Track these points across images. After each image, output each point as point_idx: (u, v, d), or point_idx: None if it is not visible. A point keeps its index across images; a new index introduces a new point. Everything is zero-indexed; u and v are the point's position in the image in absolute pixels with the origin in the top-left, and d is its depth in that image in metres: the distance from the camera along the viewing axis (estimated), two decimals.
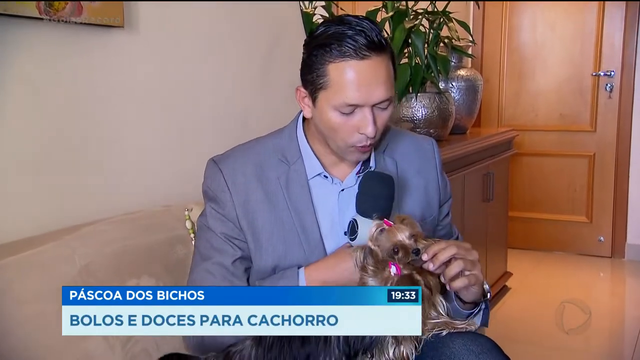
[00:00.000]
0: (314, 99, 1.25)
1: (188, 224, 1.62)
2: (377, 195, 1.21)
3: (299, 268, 1.28)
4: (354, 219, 1.20)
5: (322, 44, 1.19)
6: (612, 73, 4.03)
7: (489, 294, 1.31)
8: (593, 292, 3.63)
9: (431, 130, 2.61)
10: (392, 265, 1.16)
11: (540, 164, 4.31)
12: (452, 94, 2.96)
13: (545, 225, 4.33)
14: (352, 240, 1.20)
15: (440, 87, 2.64)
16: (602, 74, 4.07)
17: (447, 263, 1.18)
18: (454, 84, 3.03)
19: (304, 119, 1.36)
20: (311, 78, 1.23)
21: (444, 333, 1.21)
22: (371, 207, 1.20)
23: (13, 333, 1.21)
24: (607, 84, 4.06)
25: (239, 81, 2.13)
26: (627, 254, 4.14)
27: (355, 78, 1.18)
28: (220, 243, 1.32)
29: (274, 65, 2.25)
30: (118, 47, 1.67)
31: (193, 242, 1.62)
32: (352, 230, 1.19)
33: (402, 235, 1.16)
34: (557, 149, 4.26)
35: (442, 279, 1.20)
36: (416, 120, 2.59)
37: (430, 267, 1.17)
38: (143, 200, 1.73)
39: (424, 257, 1.16)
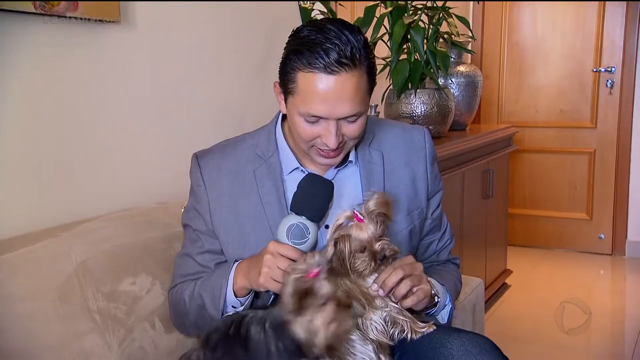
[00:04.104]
0: (285, 99, 1.26)
1: None
2: (316, 195, 1.21)
3: (236, 261, 1.30)
4: (300, 222, 1.19)
5: (297, 49, 1.18)
6: (613, 69, 4.02)
7: (436, 298, 1.31)
8: (593, 290, 3.62)
9: (430, 127, 2.60)
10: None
11: (541, 160, 4.30)
12: (452, 90, 2.95)
13: (545, 222, 4.32)
14: (301, 245, 1.19)
15: (440, 83, 2.63)
16: (602, 70, 4.05)
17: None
18: (453, 80, 3.02)
19: (284, 115, 1.36)
20: (283, 80, 1.23)
21: (408, 336, 1.21)
22: (307, 205, 1.20)
23: (10, 330, 1.21)
24: (607, 80, 4.04)
25: (236, 78, 2.12)
26: (627, 252, 4.13)
27: (321, 92, 1.17)
28: (193, 236, 1.38)
29: (271, 63, 2.23)
30: (114, 42, 1.65)
31: None
32: (301, 233, 1.19)
33: (370, 234, 1.14)
34: (558, 146, 4.25)
35: (392, 298, 1.21)
36: (415, 116, 2.58)
37: (380, 293, 1.18)
38: (139, 197, 1.72)
39: (374, 287, 1.18)
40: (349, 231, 1.15)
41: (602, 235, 4.19)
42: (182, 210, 1.55)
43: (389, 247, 1.17)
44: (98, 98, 1.63)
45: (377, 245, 1.16)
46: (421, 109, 2.58)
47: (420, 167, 1.42)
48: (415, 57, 2.47)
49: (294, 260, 1.16)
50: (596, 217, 4.20)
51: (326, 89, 1.16)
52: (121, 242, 1.46)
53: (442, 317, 1.38)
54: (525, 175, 4.34)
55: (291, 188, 1.32)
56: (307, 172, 1.33)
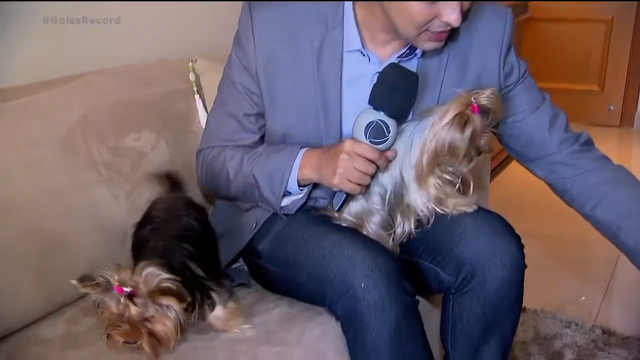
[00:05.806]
0: None
1: (192, 76, 1.58)
2: (400, 89, 1.09)
3: (301, 148, 1.19)
4: (380, 120, 1.08)
5: None
6: None
7: None
8: None
9: None
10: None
11: (555, 29, 4.14)
12: None
13: (554, 94, 4.14)
14: (380, 144, 1.09)
15: None
16: None
17: None
18: None
19: None
20: None
21: (449, 212, 1.18)
22: (389, 100, 1.08)
23: (15, 178, 1.21)
24: None
25: None
26: (636, 123, 4.09)
27: None
28: (237, 94, 1.25)
29: None
30: None
31: (195, 96, 1.58)
32: (381, 132, 1.08)
33: (480, 127, 1.10)
34: (574, 14, 4.06)
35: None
36: None
37: None
38: (139, 53, 1.66)
39: None
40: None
41: (612, 107, 4.12)
42: (190, 64, 1.50)
43: (487, 144, 1.14)
44: None
45: (481, 139, 1.12)
46: None
47: (491, 61, 1.26)
48: None
49: (372, 161, 1.10)
50: (608, 88, 4.10)
51: None
52: (122, 97, 1.44)
53: None
54: (537, 45, 4.18)
55: (348, 69, 1.20)
56: (367, 56, 1.20)
